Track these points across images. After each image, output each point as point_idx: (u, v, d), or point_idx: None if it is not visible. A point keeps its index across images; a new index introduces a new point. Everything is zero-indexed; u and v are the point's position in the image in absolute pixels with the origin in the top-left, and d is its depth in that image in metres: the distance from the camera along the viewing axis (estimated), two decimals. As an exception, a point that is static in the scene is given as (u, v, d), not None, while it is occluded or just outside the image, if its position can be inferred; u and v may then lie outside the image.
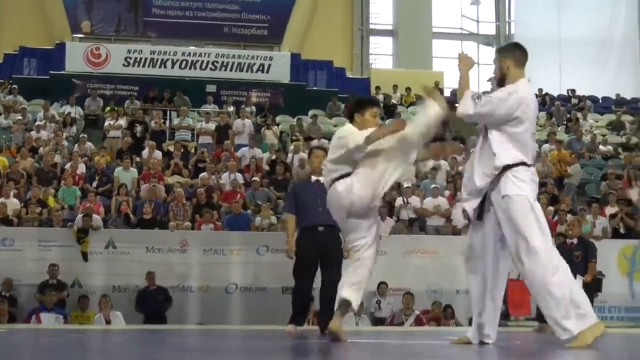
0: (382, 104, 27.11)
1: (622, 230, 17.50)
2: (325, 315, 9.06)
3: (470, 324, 14.50)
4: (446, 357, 6.06)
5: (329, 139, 21.09)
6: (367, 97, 7.04)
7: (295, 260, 9.56)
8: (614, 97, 30.81)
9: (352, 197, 6.86)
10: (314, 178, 9.58)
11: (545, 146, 21.95)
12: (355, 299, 6.92)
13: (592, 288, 12.08)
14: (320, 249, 9.37)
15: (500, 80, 6.66)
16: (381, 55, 34.36)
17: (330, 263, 9.30)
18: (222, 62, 27.74)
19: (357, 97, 7.68)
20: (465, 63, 6.82)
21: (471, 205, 6.65)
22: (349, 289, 6.94)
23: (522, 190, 6.35)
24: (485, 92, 6.63)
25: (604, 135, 25.33)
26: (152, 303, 14.81)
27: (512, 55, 6.67)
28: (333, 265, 9.22)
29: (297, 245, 9.52)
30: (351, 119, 7.35)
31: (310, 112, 24.97)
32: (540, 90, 30.53)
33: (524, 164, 6.40)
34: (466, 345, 6.71)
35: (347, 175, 6.95)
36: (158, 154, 19.91)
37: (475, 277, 6.82)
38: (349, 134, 7.05)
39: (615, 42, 34.48)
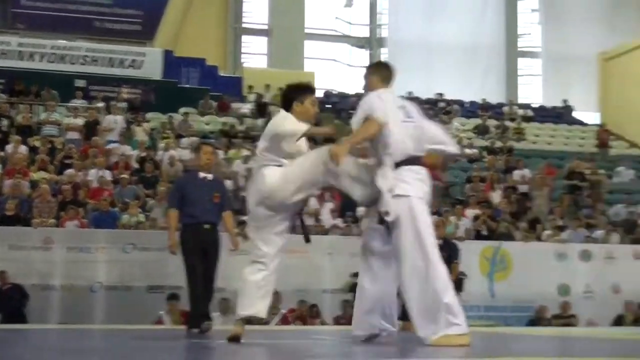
0: (254, 103, 27.20)
1: (484, 232, 18.02)
2: (199, 313, 9.08)
3: (336, 323, 14.74)
4: (315, 356, 6.15)
5: (202, 137, 20.95)
6: (305, 83, 6.60)
7: (184, 261, 9.45)
8: (480, 102, 31.65)
9: (273, 185, 6.71)
10: (201, 174, 9.52)
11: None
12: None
13: (455, 288, 12.38)
14: (203, 246, 9.34)
15: None
16: (254, 54, 34.39)
17: (209, 261, 9.32)
18: (93, 57, 27.24)
19: (293, 84, 7.33)
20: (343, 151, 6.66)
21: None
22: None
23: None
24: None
25: (469, 139, 26.01)
26: (8, 302, 14.42)
27: (377, 72, 7.04)
28: (211, 264, 9.30)
29: (181, 242, 9.40)
30: (288, 107, 7.00)
31: (182, 110, 24.79)
32: (409, 93, 31.07)
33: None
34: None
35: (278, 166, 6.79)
36: (23, 149, 19.43)
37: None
38: (284, 118, 6.84)
39: (482, 48, 35.52)
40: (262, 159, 6.88)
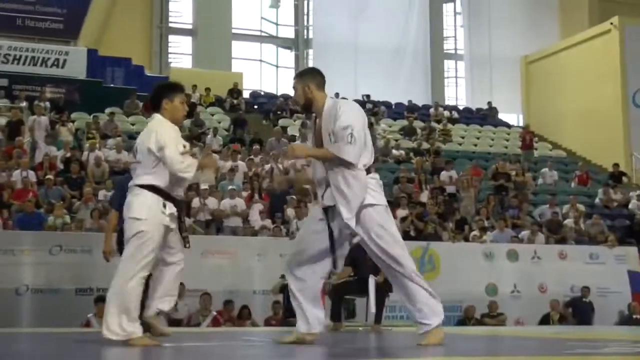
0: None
1: (412, 233, 18.14)
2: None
3: (266, 324, 14.69)
4: (245, 357, 6.11)
5: (128, 137, 20.67)
6: (174, 82, 6.56)
7: None
8: (406, 104, 31.92)
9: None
10: None
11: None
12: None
13: (384, 289, 12.42)
14: None
15: (307, 105, 6.83)
16: (180, 54, 34.17)
17: None
18: (15, 55, 26.74)
19: (163, 82, 7.25)
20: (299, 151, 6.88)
21: None
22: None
23: None
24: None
25: (396, 140, 26.21)
26: None
27: (312, 79, 6.83)
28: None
29: (120, 245, 8.87)
30: (156, 107, 6.98)
31: (107, 110, 24.49)
32: (336, 94, 31.08)
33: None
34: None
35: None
36: (-56, 149, 19.03)
37: None
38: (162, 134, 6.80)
39: (408, 50, 35.85)
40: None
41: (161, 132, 6.78)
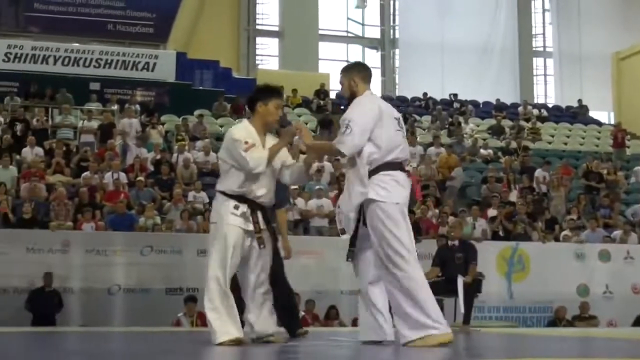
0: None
1: (501, 233, 17.95)
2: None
3: (354, 324, 14.69)
4: (334, 357, 6.12)
5: (217, 139, 20.87)
6: (272, 86, 6.56)
7: None
8: (494, 102, 31.56)
9: None
10: None
11: (431, 149, 22.32)
12: None
13: (473, 289, 12.35)
14: None
15: (352, 98, 6.84)
16: (267, 56, 34.38)
17: None
18: (106, 60, 27.29)
19: (261, 85, 7.30)
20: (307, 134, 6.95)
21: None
22: None
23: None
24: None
25: (484, 140, 25.93)
26: (45, 305, 14.44)
27: (357, 72, 6.87)
28: None
29: None
30: (252, 108, 6.99)
31: (196, 112, 24.79)
32: (424, 94, 31.11)
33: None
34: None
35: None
36: (39, 152, 19.48)
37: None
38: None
39: (495, 48, 35.46)
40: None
41: (228, 138, 6.86)
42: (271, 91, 7.03)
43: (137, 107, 24.21)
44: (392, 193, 6.54)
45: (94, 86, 25.92)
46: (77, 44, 28.22)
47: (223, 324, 6.61)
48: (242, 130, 6.89)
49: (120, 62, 27.34)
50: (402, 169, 6.70)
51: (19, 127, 20.99)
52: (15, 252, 15.00)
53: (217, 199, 6.90)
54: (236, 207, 6.77)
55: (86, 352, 6.38)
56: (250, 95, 7.11)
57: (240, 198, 6.80)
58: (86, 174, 18.32)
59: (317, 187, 18.44)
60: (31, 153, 19.26)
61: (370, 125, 6.53)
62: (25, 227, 15.93)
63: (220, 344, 6.52)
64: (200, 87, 28.37)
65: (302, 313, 14.56)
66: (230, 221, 6.74)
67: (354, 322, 15.10)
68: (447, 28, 34.73)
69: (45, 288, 14.71)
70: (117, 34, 30.08)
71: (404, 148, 6.74)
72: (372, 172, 6.55)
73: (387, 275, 6.55)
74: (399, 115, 6.91)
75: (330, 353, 6.63)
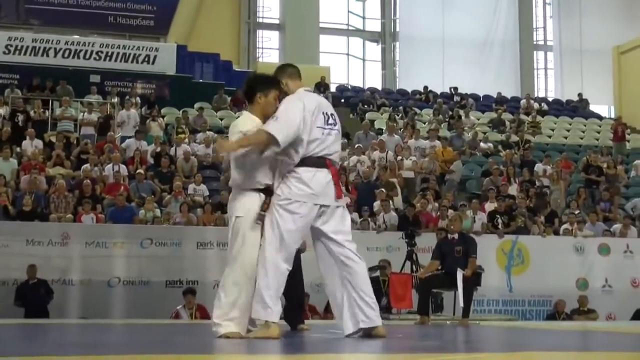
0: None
1: (500, 226, 17.93)
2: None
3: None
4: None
5: (217, 132, 20.86)
6: (269, 75, 6.99)
7: None
8: (494, 96, 31.54)
9: None
10: None
11: (425, 142, 22.26)
12: None
13: (472, 282, 12.34)
14: None
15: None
16: (268, 49, 34.37)
17: None
18: (107, 52, 27.26)
19: (260, 74, 7.28)
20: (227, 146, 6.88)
21: None
22: None
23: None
24: None
25: (484, 133, 25.91)
26: (33, 297, 14.44)
27: (284, 73, 6.95)
28: None
29: None
30: (250, 99, 6.91)
31: (197, 105, 24.77)
32: (425, 87, 31.10)
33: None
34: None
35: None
36: (39, 144, 19.48)
37: None
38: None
39: (496, 42, 35.45)
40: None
41: (235, 132, 6.80)
42: (270, 82, 6.91)
43: (138, 99, 24.21)
44: (294, 190, 6.62)
45: (94, 79, 25.90)
46: (77, 37, 28.21)
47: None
48: (248, 120, 6.85)
49: (121, 55, 27.32)
50: (321, 165, 6.71)
51: (20, 118, 21.00)
52: (15, 244, 15.01)
53: (241, 193, 6.79)
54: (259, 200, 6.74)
55: (83, 344, 6.38)
56: (248, 86, 6.98)
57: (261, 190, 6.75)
58: (86, 166, 18.31)
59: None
60: (31, 145, 19.27)
61: (297, 117, 6.56)
62: (25, 219, 15.94)
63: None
64: (201, 80, 28.37)
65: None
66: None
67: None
68: (448, 21, 34.70)
69: (30, 280, 14.66)
70: (118, 26, 30.11)
71: (327, 144, 6.74)
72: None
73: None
74: (331, 110, 6.90)
75: (336, 344, 6.64)
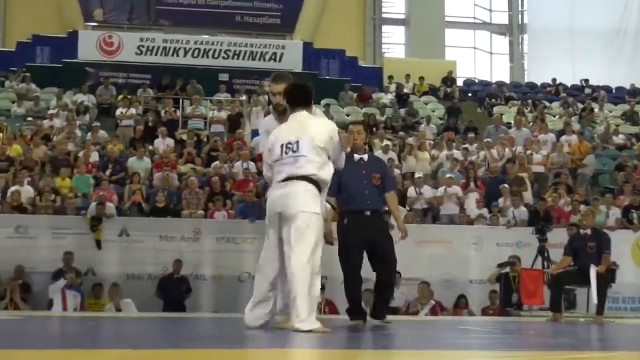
0: (395, 93, 27.17)
1: (635, 221, 17.41)
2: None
3: (483, 313, 14.54)
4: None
5: (344, 128, 21.05)
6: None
7: (340, 255, 8.43)
8: (627, 87, 30.65)
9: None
10: (357, 156, 8.63)
11: (563, 137, 21.83)
12: None
13: (606, 279, 12.04)
14: (366, 238, 8.39)
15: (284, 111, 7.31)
16: (393, 44, 34.28)
17: (380, 252, 8.47)
18: (235, 51, 27.72)
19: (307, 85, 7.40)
20: None
21: None
22: None
23: None
24: None
25: (617, 126, 25.21)
26: (174, 291, 14.85)
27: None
28: (384, 254, 8.46)
29: (339, 234, 8.45)
30: (309, 103, 7.17)
31: (323, 101, 24.92)
32: (553, 80, 30.49)
33: None
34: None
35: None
36: (171, 142, 19.94)
37: None
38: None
39: (628, 31, 34.34)
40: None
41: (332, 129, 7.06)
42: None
43: (266, 97, 24.48)
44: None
45: (223, 77, 26.39)
46: (206, 36, 28.78)
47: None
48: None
49: (248, 53, 27.72)
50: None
51: (151, 118, 21.55)
52: (149, 240, 15.42)
53: (313, 189, 6.87)
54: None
55: (215, 337, 6.50)
56: (310, 91, 7.24)
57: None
58: (216, 163, 18.62)
59: (448, 175, 18.23)
60: (163, 143, 19.73)
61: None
62: (159, 215, 16.35)
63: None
64: (327, 77, 28.49)
65: (432, 302, 14.53)
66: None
67: (484, 312, 14.97)
68: (577, 11, 33.87)
69: (174, 275, 15.08)
70: (245, 25, 30.56)
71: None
72: None
73: None
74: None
75: (459, 342, 6.57)
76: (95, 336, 6.79)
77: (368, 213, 8.43)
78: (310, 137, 6.85)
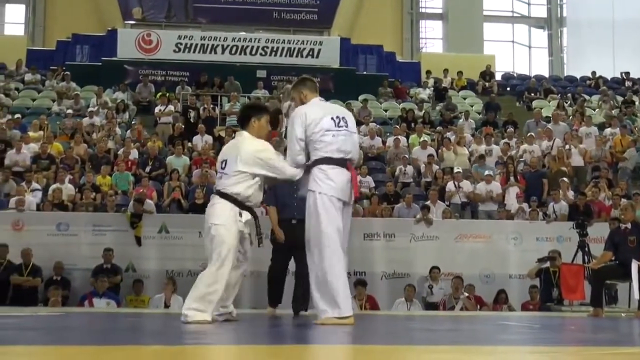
0: (433, 88, 27.07)
1: (681, 217, 17.20)
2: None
3: (523, 309, 14.45)
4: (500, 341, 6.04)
5: (381, 124, 20.88)
6: (261, 104, 9.78)
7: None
8: (669, 80, 30.30)
9: None
10: None
11: (607, 130, 21.63)
12: None
13: (646, 275, 11.90)
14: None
15: None
16: (431, 39, 34.15)
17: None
18: (272, 48, 27.79)
19: (251, 103, 8.14)
20: None
21: None
22: None
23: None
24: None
25: (658, 119, 24.93)
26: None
27: (304, 86, 7.60)
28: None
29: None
30: (245, 123, 7.60)
31: (361, 97, 24.91)
32: (593, 73, 30.21)
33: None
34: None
35: None
36: (209, 139, 20.02)
37: None
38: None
39: (670, 23, 33.93)
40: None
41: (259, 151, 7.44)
42: (262, 108, 7.96)
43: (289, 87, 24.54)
44: (321, 186, 7.14)
45: (261, 74, 26.48)
46: (243, 33, 28.88)
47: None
48: (254, 141, 7.48)
49: (286, 50, 27.78)
50: (338, 164, 7.21)
51: (191, 114, 21.65)
52: (188, 236, 15.47)
53: (226, 203, 7.57)
54: (240, 215, 7.58)
55: (257, 333, 6.53)
56: (243, 112, 7.92)
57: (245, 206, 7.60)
58: (254, 160, 18.62)
59: (486, 172, 18.13)
60: (202, 140, 19.83)
61: (299, 134, 7.22)
62: (198, 212, 16.39)
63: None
64: (364, 72, 28.50)
65: (465, 294, 14.48)
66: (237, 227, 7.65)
67: (524, 307, 14.88)
68: (617, 3, 33.49)
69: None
70: (282, 21, 30.65)
71: (339, 145, 7.23)
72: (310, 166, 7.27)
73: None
74: (341, 114, 7.44)
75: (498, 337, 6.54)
76: (142, 332, 6.83)
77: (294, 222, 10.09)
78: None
